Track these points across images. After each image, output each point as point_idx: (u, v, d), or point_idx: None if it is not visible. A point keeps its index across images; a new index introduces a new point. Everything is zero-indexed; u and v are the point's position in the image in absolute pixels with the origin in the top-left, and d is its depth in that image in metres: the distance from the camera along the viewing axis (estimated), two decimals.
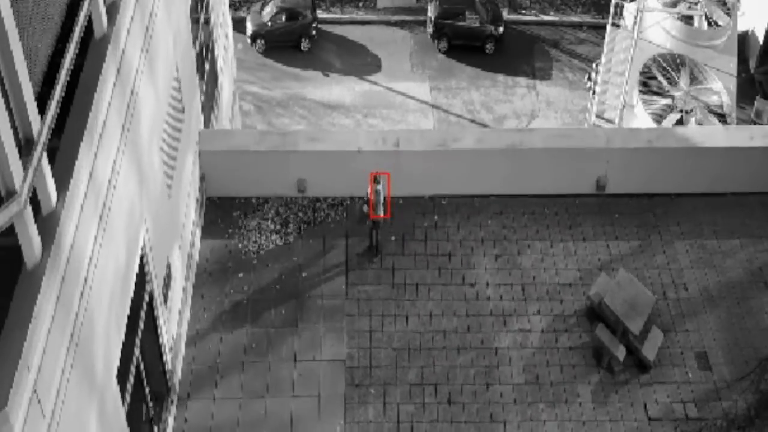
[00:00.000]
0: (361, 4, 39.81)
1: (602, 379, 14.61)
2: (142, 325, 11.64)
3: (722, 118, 24.83)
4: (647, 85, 25.54)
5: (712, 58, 26.18)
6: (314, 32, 38.05)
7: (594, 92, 26.86)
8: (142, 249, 11.73)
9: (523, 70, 37.45)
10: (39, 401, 7.74)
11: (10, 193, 7.79)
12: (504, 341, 15.03)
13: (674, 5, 27.29)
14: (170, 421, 13.55)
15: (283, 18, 37.72)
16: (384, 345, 14.87)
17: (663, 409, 14.26)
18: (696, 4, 27.25)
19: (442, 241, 16.43)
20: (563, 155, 16.72)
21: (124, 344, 10.57)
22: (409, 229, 16.54)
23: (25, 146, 8.14)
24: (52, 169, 8.83)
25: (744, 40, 34.03)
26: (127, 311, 10.77)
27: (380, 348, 14.83)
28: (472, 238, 16.47)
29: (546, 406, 14.25)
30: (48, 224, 8.64)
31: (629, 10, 27.39)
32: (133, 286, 11.07)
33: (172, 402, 13.63)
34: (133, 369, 11.17)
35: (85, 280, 9.18)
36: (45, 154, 8.44)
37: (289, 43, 37.84)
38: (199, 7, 17.27)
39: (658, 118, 24.50)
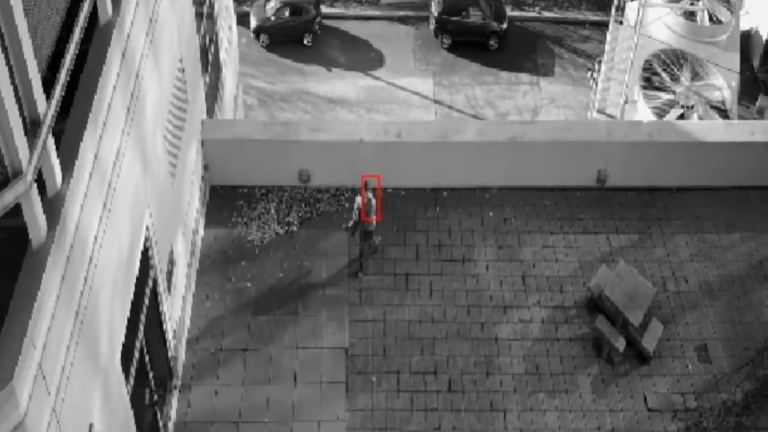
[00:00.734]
0: (364, 1, 39.90)
1: (602, 370, 14.70)
2: (145, 309, 11.73)
3: (724, 114, 24.88)
4: (649, 80, 25.61)
5: (714, 55, 26.23)
6: (318, 27, 38.14)
7: (595, 87, 26.94)
8: (146, 234, 11.82)
9: (526, 66, 37.51)
10: (44, 378, 7.83)
11: (17, 173, 7.87)
12: (504, 331, 15.11)
13: (677, 1, 27.35)
14: (173, 406, 13.65)
15: (287, 13, 37.83)
16: (385, 334, 14.96)
17: (662, 401, 14.34)
18: (698, 0, 27.33)
19: (443, 232, 16.52)
20: (564, 148, 16.80)
21: (127, 328, 10.67)
22: (410, 220, 16.63)
23: (31, 128, 8.23)
24: (57, 151, 8.91)
25: (747, 39, 34.09)
26: (131, 294, 10.86)
27: (381, 337, 14.92)
28: (473, 230, 16.56)
29: (546, 396, 14.34)
30: (53, 205, 8.72)
31: (631, 6, 27.46)
32: (137, 270, 11.16)
33: (175, 387, 13.73)
34: (136, 353, 11.27)
35: (90, 261, 9.27)
36: (51, 136, 8.53)
37: (292, 38, 37.94)
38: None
39: (660, 113, 24.56)
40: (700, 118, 24.66)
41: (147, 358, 11.87)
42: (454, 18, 37.50)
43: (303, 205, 16.62)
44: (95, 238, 9.48)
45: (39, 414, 7.75)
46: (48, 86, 8.44)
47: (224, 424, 13.76)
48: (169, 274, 13.23)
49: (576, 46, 38.58)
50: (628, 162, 17.10)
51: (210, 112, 17.67)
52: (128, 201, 10.92)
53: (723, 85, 25.34)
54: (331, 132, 16.59)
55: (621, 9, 28.39)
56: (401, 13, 39.55)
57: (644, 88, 25.32)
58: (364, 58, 37.71)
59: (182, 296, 14.42)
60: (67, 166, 9.00)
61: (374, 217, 15.00)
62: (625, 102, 25.11)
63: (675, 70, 26.03)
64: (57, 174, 8.81)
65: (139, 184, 11.54)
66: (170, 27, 13.52)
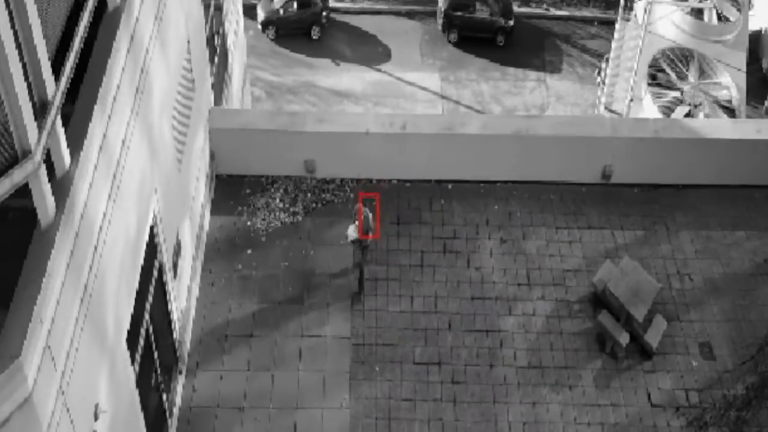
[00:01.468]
0: None
1: (605, 364, 14.70)
2: (151, 293, 11.79)
3: (731, 113, 24.86)
4: (656, 78, 25.59)
5: (722, 54, 26.20)
6: (325, 21, 38.18)
7: (603, 85, 26.94)
8: (152, 218, 11.86)
9: (533, 63, 37.50)
10: (51, 355, 7.88)
11: (26, 153, 7.92)
12: (508, 324, 15.13)
13: None
14: (179, 390, 13.73)
15: (295, 6, 37.86)
16: (389, 324, 14.99)
17: (665, 396, 14.34)
18: None
19: (447, 224, 16.53)
20: (569, 143, 16.80)
21: (134, 311, 10.72)
22: (415, 212, 16.65)
23: (40, 109, 8.27)
24: (65, 133, 8.97)
25: (757, 39, 34.02)
26: (138, 277, 10.91)
27: (385, 327, 14.95)
28: (477, 223, 16.57)
29: (549, 390, 14.35)
30: (61, 185, 8.77)
31: (639, 4, 27.44)
32: (143, 253, 11.21)
33: (180, 372, 13.82)
34: (142, 336, 11.33)
35: (97, 241, 9.32)
36: (59, 117, 8.58)
37: (299, 31, 37.98)
38: None
39: (667, 111, 24.55)
40: (707, 116, 24.64)
41: (153, 342, 11.92)
42: (462, 13, 37.50)
43: (308, 195, 16.66)
44: (103, 219, 9.53)
45: (46, 390, 7.79)
46: (57, 68, 8.47)
47: (229, 409, 13.82)
48: (176, 259, 13.27)
49: (583, 44, 38.58)
50: (633, 158, 17.09)
51: (217, 101, 17.70)
52: (135, 185, 10.96)
53: (730, 83, 25.32)
54: (337, 123, 16.61)
55: (629, 7, 28.36)
56: (408, 7, 39.55)
57: (651, 85, 25.31)
58: (371, 52, 37.74)
59: (188, 282, 14.47)
60: (75, 148, 9.05)
61: (371, 235, 14.61)
62: (632, 99, 25.10)
63: (682, 68, 26.01)
64: (65, 155, 8.86)
65: (146, 168, 11.58)
66: (178, 13, 13.55)
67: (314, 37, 38.01)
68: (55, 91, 8.36)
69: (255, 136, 16.48)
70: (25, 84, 7.70)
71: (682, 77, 25.70)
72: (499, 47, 37.72)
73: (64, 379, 8.17)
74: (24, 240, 8.35)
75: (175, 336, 13.45)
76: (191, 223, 14.64)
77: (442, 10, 37.65)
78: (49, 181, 8.43)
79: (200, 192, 15.55)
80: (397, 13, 39.35)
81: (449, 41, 37.91)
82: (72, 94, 9.35)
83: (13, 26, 7.53)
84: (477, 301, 15.43)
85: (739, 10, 27.85)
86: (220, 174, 16.84)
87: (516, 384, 14.39)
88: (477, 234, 16.39)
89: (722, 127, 17.53)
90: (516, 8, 38.58)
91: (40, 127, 8.09)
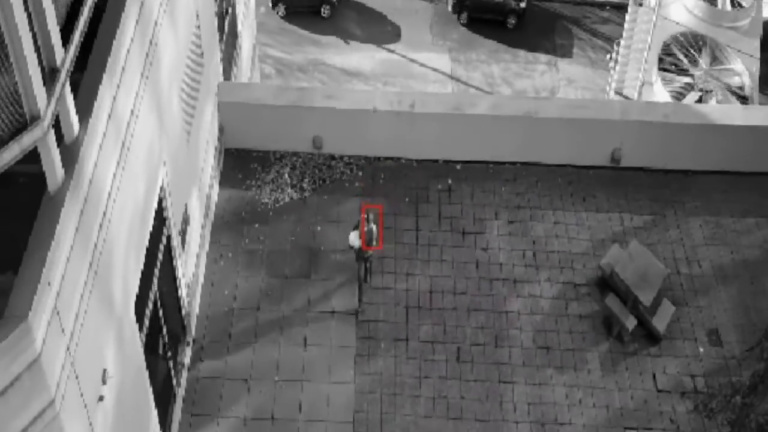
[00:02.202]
0: None
1: (611, 348, 14.66)
2: (159, 263, 11.78)
3: (743, 100, 24.68)
4: (667, 63, 25.42)
5: (735, 40, 26.00)
6: None
7: (614, 69, 26.76)
8: (160, 189, 11.82)
9: (544, 46, 37.30)
10: (59, 318, 7.87)
11: (35, 118, 7.94)
12: (514, 305, 15.08)
13: None
14: (186, 361, 13.78)
15: None
16: (395, 302, 14.96)
17: (672, 382, 14.30)
18: None
19: (455, 204, 16.46)
20: (578, 125, 16.70)
21: (141, 279, 10.71)
22: (422, 191, 16.58)
23: (49, 75, 8.27)
24: (74, 101, 8.96)
25: None
26: (146, 246, 10.89)
27: (391, 304, 14.92)
28: (485, 204, 16.50)
29: (554, 371, 14.32)
30: (70, 151, 8.78)
31: None
32: (151, 223, 11.18)
33: (188, 343, 13.87)
34: (150, 306, 11.34)
35: (106, 208, 9.29)
36: (68, 84, 8.57)
37: (310, 9, 37.78)
38: None
39: (678, 96, 24.39)
40: (719, 102, 24.48)
41: (161, 312, 11.93)
42: None
43: (316, 171, 16.60)
44: (111, 186, 9.51)
45: (54, 352, 7.80)
46: (66, 35, 8.46)
47: (235, 381, 13.86)
48: (183, 231, 13.26)
49: (595, 28, 38.34)
50: (642, 142, 16.99)
51: (226, 76, 17.63)
52: (144, 154, 10.93)
53: (742, 70, 25.15)
54: (345, 100, 16.54)
55: None
56: None
57: (662, 70, 25.15)
58: (381, 31, 37.54)
59: (196, 254, 14.48)
60: (84, 116, 9.06)
61: (375, 247, 14.21)
62: (643, 84, 24.95)
63: (694, 53, 25.84)
64: (74, 122, 8.87)
65: (155, 138, 11.56)
66: None
67: (324, 15, 37.81)
68: (64, 57, 8.35)
69: (263, 111, 16.41)
70: (34, 50, 7.71)
71: (694, 63, 25.53)
72: (509, 29, 37.50)
73: (72, 341, 8.16)
74: (33, 204, 8.36)
75: (182, 307, 13.47)
76: (199, 196, 14.61)
77: None
78: (58, 147, 8.44)
79: (209, 165, 15.51)
80: None
81: (460, 22, 37.69)
82: (81, 63, 9.33)
83: None
84: (483, 281, 15.39)
85: None
86: (229, 148, 16.79)
87: (521, 364, 14.36)
88: (484, 215, 16.32)
89: (733, 113, 17.40)
90: None
91: (49, 93, 8.11)
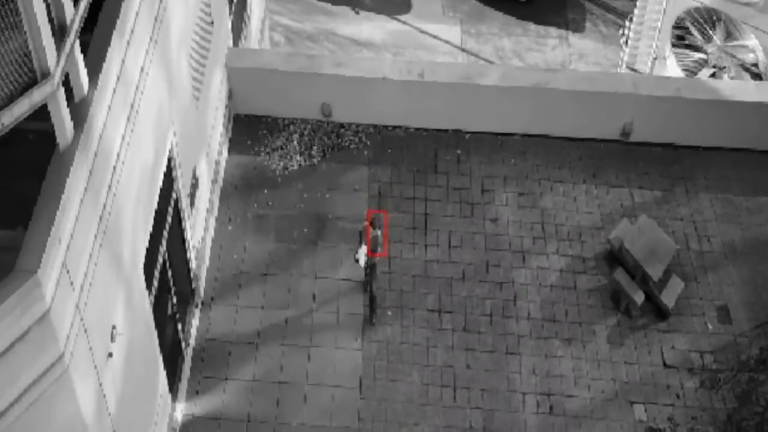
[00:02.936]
0: None
1: (619, 322, 14.61)
2: (168, 224, 11.79)
3: (758, 77, 24.47)
4: (680, 38, 25.19)
5: (750, 16, 25.73)
6: None
7: (626, 44, 26.53)
8: (169, 150, 11.79)
9: (555, 20, 36.99)
10: (68, 274, 7.85)
11: (45, 74, 7.95)
12: (522, 277, 15.03)
13: None
14: (194, 322, 13.84)
15: None
16: (403, 271, 14.92)
17: (680, 357, 14.25)
18: None
19: (464, 175, 16.38)
20: (589, 98, 16.55)
21: (150, 240, 10.70)
22: (430, 161, 16.50)
23: (59, 31, 8.26)
24: (84, 60, 8.96)
25: None
26: (155, 207, 10.88)
27: (399, 273, 14.88)
28: (493, 175, 16.41)
29: (561, 343, 14.29)
30: (80, 109, 8.78)
31: None
32: (160, 183, 11.16)
33: (196, 305, 13.92)
34: (159, 266, 11.36)
35: (115, 166, 9.27)
36: (78, 42, 8.55)
37: None
38: None
39: (690, 72, 24.19)
40: (732, 79, 24.27)
41: (169, 274, 11.94)
42: None
43: (325, 138, 16.53)
44: (120, 145, 9.51)
45: (63, 307, 7.78)
46: None
47: (243, 344, 13.91)
48: (192, 193, 13.25)
49: (607, 2, 38.01)
50: (654, 117, 16.84)
51: (236, 42, 17.53)
52: (153, 115, 10.91)
53: (757, 46, 24.88)
54: (354, 68, 16.42)
55: None
56: None
57: (675, 45, 24.93)
58: (392, 1, 37.28)
59: (204, 218, 14.48)
60: (94, 73, 9.05)
61: (380, 253, 13.84)
62: (655, 59, 24.75)
63: (708, 29, 25.60)
64: (83, 80, 8.86)
65: (164, 100, 11.54)
66: None
67: None
68: (74, 14, 8.34)
69: (272, 77, 16.30)
70: (44, 6, 7.69)
71: (708, 39, 25.30)
72: (521, 3, 37.21)
73: (81, 297, 8.14)
74: (43, 162, 8.35)
75: (191, 269, 13.49)
76: (208, 160, 14.57)
77: None
78: (68, 104, 8.44)
79: (218, 130, 15.45)
80: None
81: None
82: (91, 23, 9.33)
83: None
84: (491, 252, 15.33)
85: None
86: (238, 113, 16.71)
87: (528, 336, 14.32)
88: (493, 186, 16.23)
89: (746, 89, 17.22)
90: None
91: (59, 50, 8.11)
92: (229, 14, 16.67)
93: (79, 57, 8.68)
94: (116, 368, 9.37)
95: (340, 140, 16.56)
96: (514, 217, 15.82)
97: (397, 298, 14.58)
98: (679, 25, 25.61)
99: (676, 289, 14.85)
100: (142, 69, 10.35)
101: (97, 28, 9.49)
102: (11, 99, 7.67)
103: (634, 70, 25.03)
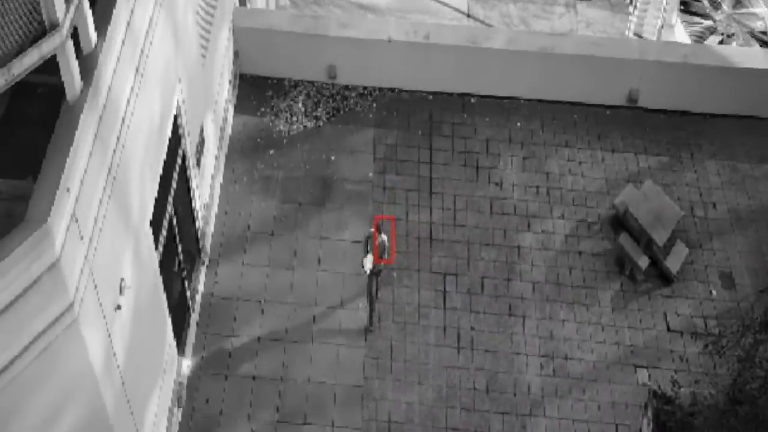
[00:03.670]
0: None
1: (623, 286, 14.63)
2: (175, 181, 11.81)
3: (766, 45, 24.35)
4: (688, 5, 25.06)
5: None
6: None
7: (633, 12, 26.39)
8: (176, 108, 11.77)
9: None
10: (78, 225, 7.86)
11: (53, 26, 7.97)
12: (527, 240, 15.04)
13: None
14: (201, 280, 13.90)
15: None
16: (407, 233, 14.93)
17: (683, 322, 14.29)
18: None
19: (469, 139, 16.35)
20: (595, 63, 16.47)
21: (157, 196, 10.71)
22: (436, 124, 16.45)
23: None
24: (92, 12, 8.93)
25: None
26: (162, 163, 10.88)
27: (404, 235, 14.90)
28: (499, 139, 16.38)
29: (565, 307, 14.33)
30: (88, 62, 8.78)
31: None
32: (167, 138, 11.16)
33: (202, 264, 13.97)
34: (166, 222, 11.38)
35: (123, 120, 9.27)
36: None
37: None
38: None
39: (698, 39, 24.07)
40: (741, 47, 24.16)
41: (176, 230, 11.97)
42: None
43: (330, 100, 16.49)
44: (128, 98, 9.50)
45: (72, 257, 7.81)
46: None
47: (249, 302, 13.97)
48: (199, 151, 13.25)
49: None
50: (660, 83, 16.76)
51: (242, 1, 17.44)
52: (160, 71, 10.90)
53: (766, 14, 24.79)
54: (360, 29, 16.34)
55: None
56: None
57: (683, 12, 24.80)
58: None
59: (211, 176, 14.49)
60: (102, 27, 9.04)
61: (386, 259, 13.47)
62: (662, 26, 24.62)
63: None
64: (91, 33, 8.85)
65: (171, 57, 11.52)
66: None
67: None
68: None
69: (278, 38, 16.24)
70: None
71: (716, 6, 25.16)
72: None
73: (90, 248, 8.16)
74: (52, 115, 8.36)
75: (197, 228, 13.52)
76: (215, 119, 14.55)
77: None
78: (77, 57, 8.44)
79: (224, 90, 15.42)
80: None
81: None
82: None
83: None
84: (496, 216, 15.33)
85: None
86: (245, 74, 16.65)
87: (533, 299, 14.36)
88: (499, 150, 16.20)
89: (754, 56, 17.13)
90: None
91: (68, 1, 8.12)
92: None
93: (87, 10, 8.66)
94: (124, 321, 9.41)
95: (345, 102, 16.52)
96: (519, 181, 15.80)
97: (402, 259, 14.60)
98: None
99: (681, 254, 14.86)
100: (149, 23, 10.32)
101: None
102: (21, 50, 7.69)
103: (642, 38, 24.91)
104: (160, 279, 10.92)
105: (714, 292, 14.70)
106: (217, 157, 14.89)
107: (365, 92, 16.72)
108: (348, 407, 13.12)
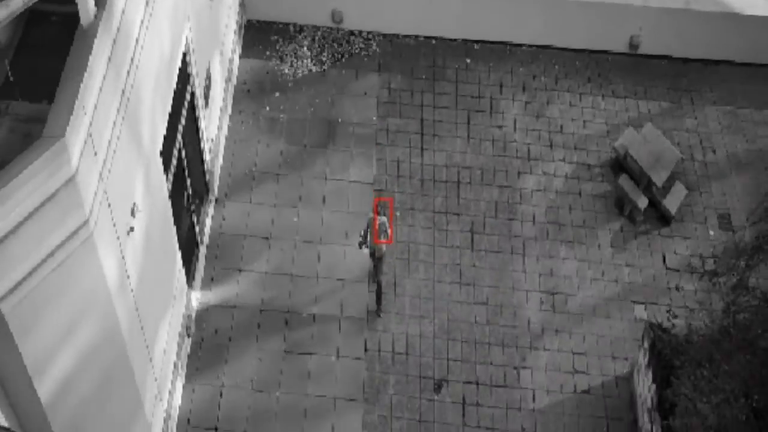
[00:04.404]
0: None
1: (623, 227, 14.90)
2: (184, 116, 12.01)
3: None
4: None
5: None
6: None
7: None
8: (185, 45, 11.95)
9: None
10: (92, 143, 8.09)
11: None
12: (528, 182, 15.29)
13: None
14: (209, 216, 14.19)
15: None
16: (411, 174, 15.19)
17: (681, 261, 14.56)
18: None
19: (472, 84, 16.53)
20: (596, 9, 16.56)
21: (167, 131, 10.95)
22: (440, 69, 16.63)
23: None
24: None
25: None
26: (171, 95, 11.08)
27: (407, 177, 15.16)
28: (501, 83, 16.56)
29: (565, 246, 14.60)
30: None
31: None
32: (177, 72, 11.36)
33: (210, 201, 14.24)
34: (175, 155, 11.57)
35: (135, 48, 9.46)
36: None
37: None
38: None
39: None
40: None
41: (185, 164, 12.19)
42: None
43: (335, 45, 16.65)
44: (139, 28, 9.67)
45: (88, 174, 8.06)
46: None
47: (256, 238, 14.27)
48: (207, 89, 13.44)
49: None
50: (662, 29, 16.86)
51: None
52: (169, 8, 11.04)
53: None
54: None
55: None
56: None
57: None
58: None
59: (218, 117, 14.70)
60: None
61: (386, 240, 13.36)
62: None
63: None
64: None
65: None
66: None
67: None
68: None
69: None
70: None
71: None
72: None
73: (104, 168, 8.42)
74: (67, 42, 8.53)
75: (205, 165, 13.75)
76: (222, 60, 14.74)
77: None
78: None
79: (231, 32, 15.59)
80: None
81: None
82: None
83: None
84: (498, 158, 15.57)
85: None
86: (251, 19, 16.80)
87: (533, 238, 14.64)
88: (501, 95, 16.40)
89: (756, 3, 17.18)
90: None
91: None
92: None
93: None
94: (137, 245, 9.69)
95: (350, 47, 16.69)
96: (521, 125, 16.02)
97: (406, 200, 14.88)
98: None
99: (679, 195, 15.11)
100: None
101: None
102: None
103: None
104: (170, 209, 11.18)
105: (712, 233, 14.96)
106: (224, 99, 15.10)
107: (370, 37, 16.88)
108: (352, 338, 13.48)
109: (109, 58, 8.64)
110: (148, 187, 10.04)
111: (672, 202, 15.03)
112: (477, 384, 13.19)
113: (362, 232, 13.21)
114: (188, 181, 12.47)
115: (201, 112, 12.98)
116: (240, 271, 13.94)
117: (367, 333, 13.52)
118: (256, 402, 12.83)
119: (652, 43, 17.05)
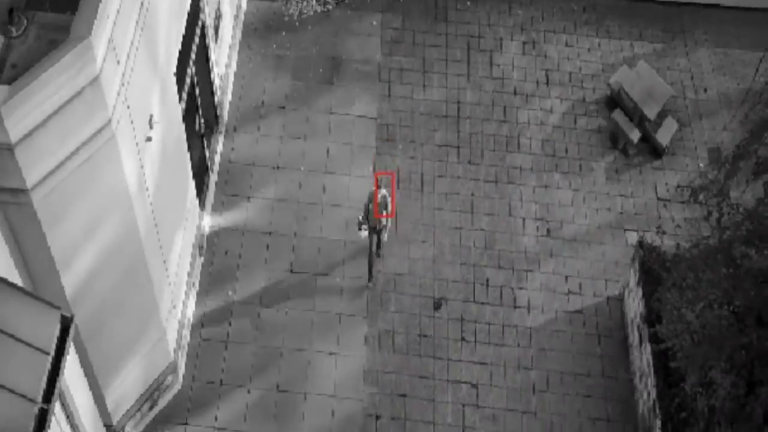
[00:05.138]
0: None
1: (616, 159, 15.43)
2: (195, 47, 12.45)
3: None
4: None
5: None
6: None
7: None
8: None
9: None
10: (115, 49, 8.61)
11: None
12: (525, 117, 15.82)
13: None
14: (219, 145, 14.74)
15: None
16: (413, 109, 15.75)
17: (672, 192, 15.11)
18: None
19: (472, 24, 16.99)
20: None
21: (180, 57, 11.41)
22: (441, 10, 17.09)
23: None
24: None
25: None
26: (184, 21, 11.53)
27: (409, 112, 15.72)
28: (500, 24, 17.03)
29: (561, 176, 15.16)
30: None
31: None
32: (188, 6, 11.77)
33: (220, 132, 14.80)
34: (188, 81, 12.05)
35: None
36: None
37: None
38: None
39: None
40: None
41: (197, 92, 12.65)
42: None
43: None
44: None
45: (110, 77, 8.58)
46: None
47: (265, 168, 14.90)
48: (217, 23, 13.89)
49: None
50: None
51: None
52: None
53: None
54: None
55: None
56: None
57: None
58: None
59: (227, 53, 15.19)
60: None
61: (386, 214, 13.29)
62: None
63: None
64: None
65: None
66: None
67: None
68: None
69: None
70: None
71: None
72: None
73: (125, 75, 8.94)
74: None
75: (215, 97, 14.24)
76: (230, 1, 15.17)
77: None
78: None
79: None
80: None
81: None
82: None
83: None
84: (496, 94, 16.09)
85: None
86: None
87: (530, 169, 15.20)
88: (500, 34, 16.87)
89: None
90: None
91: None
92: None
93: None
94: (154, 155, 10.25)
95: None
96: (518, 63, 16.51)
97: (407, 133, 15.45)
98: None
99: (671, 128, 15.61)
100: None
101: None
102: None
103: None
104: (183, 131, 11.69)
105: (702, 165, 15.45)
106: (233, 37, 15.59)
107: None
108: (356, 261, 14.10)
109: None
110: (164, 105, 10.56)
111: (664, 136, 15.54)
112: (475, 302, 13.83)
113: (360, 217, 13.27)
114: (199, 111, 12.97)
115: (211, 44, 13.47)
116: (249, 197, 14.56)
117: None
118: (265, 316, 13.48)
119: None
